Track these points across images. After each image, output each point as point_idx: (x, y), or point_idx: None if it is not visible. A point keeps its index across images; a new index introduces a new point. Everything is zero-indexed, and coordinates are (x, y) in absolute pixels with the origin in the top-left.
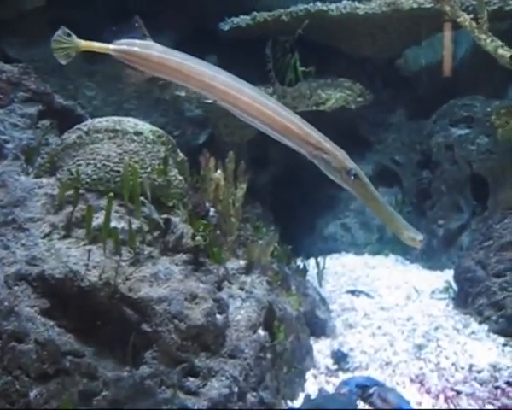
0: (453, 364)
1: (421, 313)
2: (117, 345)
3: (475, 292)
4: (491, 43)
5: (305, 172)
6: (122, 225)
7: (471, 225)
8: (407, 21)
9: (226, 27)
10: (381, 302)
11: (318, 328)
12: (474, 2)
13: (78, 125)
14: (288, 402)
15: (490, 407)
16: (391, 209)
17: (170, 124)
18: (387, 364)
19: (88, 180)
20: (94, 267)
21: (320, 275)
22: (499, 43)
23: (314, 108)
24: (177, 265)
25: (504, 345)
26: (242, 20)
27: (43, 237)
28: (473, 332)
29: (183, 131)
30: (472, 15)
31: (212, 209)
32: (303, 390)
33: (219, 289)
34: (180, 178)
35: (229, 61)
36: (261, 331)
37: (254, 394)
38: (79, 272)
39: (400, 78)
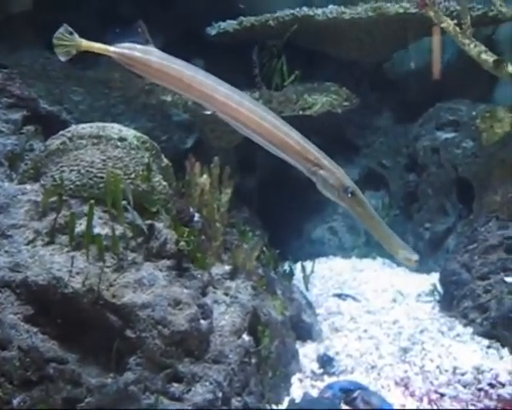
0: (437, 367)
1: (407, 316)
2: (101, 351)
3: (460, 295)
4: (474, 48)
5: (293, 176)
6: (105, 231)
7: (457, 229)
8: (393, 26)
9: (213, 32)
10: (368, 306)
11: (304, 332)
12: (458, 8)
13: (61, 132)
14: (273, 407)
15: (472, 408)
16: (387, 228)
17: (157, 128)
18: (373, 367)
19: (71, 186)
20: (77, 274)
21: (306, 279)
22: (483, 48)
23: (300, 112)
24: (160, 270)
25: (488, 347)
26: (229, 24)
27: (27, 244)
28: (458, 335)
29: (170, 136)
30: (456, 21)
31: (196, 215)
32: (288, 395)
33: (204, 294)
34: (164, 183)
35: (216, 65)
36: (246, 336)
37: (239, 399)
38: (63, 279)
39: (387, 81)
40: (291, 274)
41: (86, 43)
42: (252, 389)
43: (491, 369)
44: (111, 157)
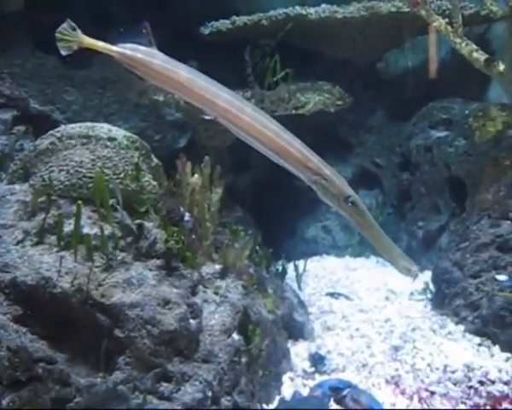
0: (428, 365)
1: (399, 314)
2: (90, 351)
3: (452, 293)
4: (465, 46)
5: (286, 175)
6: (94, 231)
7: (450, 227)
8: (386, 25)
9: (206, 31)
10: (360, 304)
11: (296, 331)
12: (450, 6)
13: (51, 132)
14: (264, 406)
15: (462, 406)
16: (387, 238)
17: (150, 128)
18: (364, 366)
19: (61, 186)
20: (66, 274)
21: (299, 278)
22: (474, 46)
23: (293, 111)
24: (150, 270)
25: (479, 345)
26: (222, 24)
27: (16, 244)
28: (449, 333)
29: (163, 136)
30: (448, 19)
31: (187, 214)
32: (279, 394)
33: (193, 293)
34: (154, 183)
35: (209, 64)
36: (236, 335)
37: (228, 398)
38: (51, 279)
39: (381, 80)
40: (283, 273)
41: (89, 41)
42: (242, 388)
43: (481, 367)
44: (100, 157)
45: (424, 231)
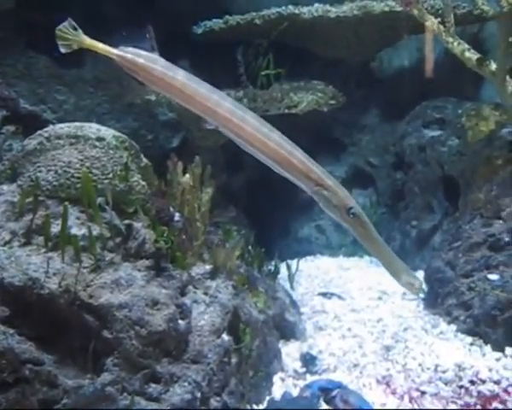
0: (420, 364)
1: (391, 314)
2: (78, 352)
3: (444, 293)
4: (458, 46)
5: (280, 175)
6: (83, 231)
7: (443, 226)
8: (379, 24)
9: (199, 31)
10: (353, 304)
11: (288, 331)
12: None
13: (39, 131)
14: (254, 406)
15: (453, 406)
16: (390, 251)
17: (143, 128)
18: (355, 366)
19: (48, 187)
20: (54, 275)
21: (291, 278)
22: (466, 46)
23: (286, 111)
24: (139, 271)
25: (471, 345)
26: (215, 23)
27: (3, 245)
28: (441, 332)
29: (156, 136)
30: (441, 19)
31: (177, 214)
32: (270, 394)
33: (182, 294)
34: (143, 183)
35: (202, 64)
36: (225, 336)
37: (218, 399)
38: (39, 280)
39: (374, 80)
40: (275, 273)
41: (90, 42)
42: (231, 388)
43: (472, 366)
44: (88, 157)
45: (417, 231)
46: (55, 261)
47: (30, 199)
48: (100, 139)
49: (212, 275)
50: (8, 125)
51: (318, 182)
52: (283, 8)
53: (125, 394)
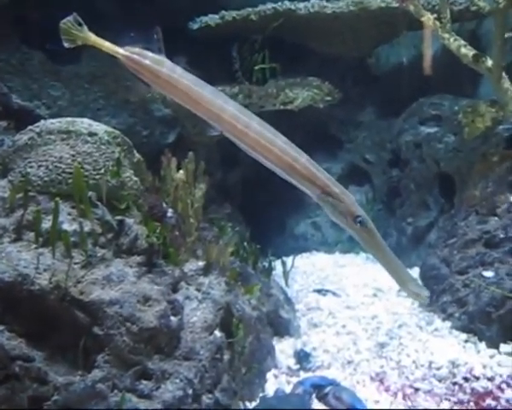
0: (414, 361)
1: (386, 311)
2: (68, 349)
3: (440, 289)
4: (454, 42)
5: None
6: (74, 227)
7: (439, 223)
8: (376, 20)
9: (195, 26)
10: (348, 301)
11: (282, 328)
12: (439, 1)
13: (30, 127)
14: (247, 403)
15: (446, 403)
16: (397, 260)
17: (138, 124)
18: (349, 363)
19: (39, 182)
20: (44, 271)
21: (286, 274)
22: (462, 42)
23: (281, 107)
24: (130, 267)
25: (466, 341)
26: (211, 19)
27: None
28: (436, 329)
29: (151, 131)
30: (437, 15)
31: (170, 210)
32: (263, 391)
33: (175, 290)
34: (135, 179)
35: (198, 60)
36: (218, 333)
37: (210, 395)
38: (29, 276)
39: (371, 76)
40: (270, 270)
41: (95, 39)
42: (224, 385)
43: (466, 363)
44: (80, 152)
45: (413, 228)
46: (46, 257)
47: (21, 195)
48: (92, 134)
49: (205, 271)
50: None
51: (324, 189)
52: (279, 3)
53: (115, 391)
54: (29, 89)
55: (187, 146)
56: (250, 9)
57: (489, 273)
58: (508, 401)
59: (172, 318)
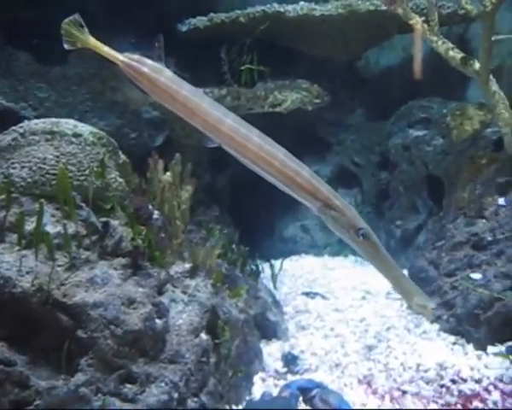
0: (402, 364)
1: (374, 313)
2: (51, 353)
3: (428, 292)
4: (442, 45)
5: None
6: (58, 229)
7: (427, 226)
8: (365, 23)
9: (184, 28)
10: (336, 304)
11: (270, 331)
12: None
13: (13, 127)
14: (233, 407)
15: (434, 405)
16: (401, 272)
17: (126, 126)
18: (337, 365)
19: (22, 184)
20: (27, 273)
21: (274, 277)
22: (450, 45)
23: (270, 109)
24: (115, 269)
25: (454, 344)
26: (200, 21)
27: None
28: (424, 332)
29: (139, 134)
30: (425, 18)
31: (156, 212)
32: (250, 394)
33: (160, 293)
34: (120, 180)
35: (187, 62)
36: (204, 335)
37: (195, 399)
38: (11, 279)
39: (360, 79)
40: (257, 272)
41: (94, 43)
42: (210, 389)
43: (453, 365)
44: (64, 153)
45: (402, 230)
46: (29, 260)
47: (3, 196)
48: (76, 135)
49: (192, 274)
50: None
51: (326, 202)
52: (268, 6)
53: (99, 395)
54: (15, 90)
55: (175, 149)
56: (239, 12)
57: (477, 275)
58: (495, 403)
59: (157, 320)
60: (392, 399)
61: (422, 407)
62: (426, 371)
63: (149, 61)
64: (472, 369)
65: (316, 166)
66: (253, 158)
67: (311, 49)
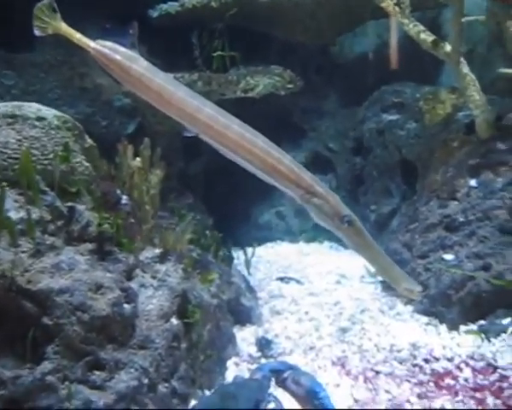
0: (375, 345)
1: (349, 297)
2: (16, 341)
3: None
4: (413, 27)
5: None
6: (21, 214)
7: (401, 210)
8: (338, 8)
9: (155, 14)
10: (311, 288)
11: (244, 316)
12: None
13: None
14: (206, 392)
15: (407, 384)
16: (388, 258)
17: (97, 114)
18: (311, 348)
19: None
20: None
21: (248, 263)
22: (421, 27)
23: (242, 94)
24: (82, 254)
25: (427, 324)
26: (171, 6)
27: None
28: (398, 313)
29: (111, 122)
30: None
31: (124, 197)
32: (223, 379)
33: (129, 278)
34: (86, 164)
35: (159, 48)
36: (174, 320)
37: (166, 385)
38: None
39: (335, 65)
40: (231, 258)
41: (66, 29)
42: (181, 374)
43: (426, 345)
44: (27, 137)
45: (376, 215)
46: None
47: None
48: (40, 119)
49: (162, 259)
50: None
51: (308, 189)
52: None
53: (66, 382)
54: None
55: (147, 136)
56: None
57: (449, 256)
58: (466, 379)
59: (126, 305)
60: (365, 379)
61: (396, 387)
62: (399, 351)
63: (122, 49)
64: (444, 348)
65: (290, 153)
66: (232, 147)
67: (283, 34)
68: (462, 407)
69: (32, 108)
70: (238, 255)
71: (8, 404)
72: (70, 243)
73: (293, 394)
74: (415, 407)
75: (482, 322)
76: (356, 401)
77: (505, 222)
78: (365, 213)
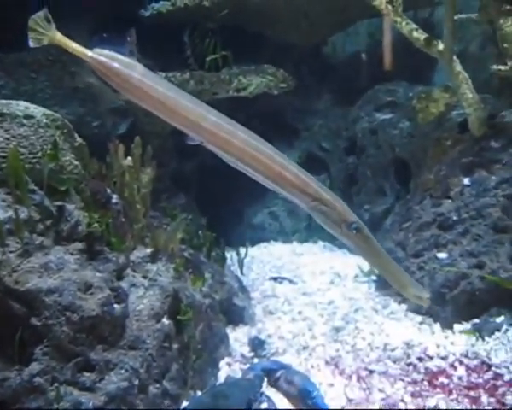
0: (369, 344)
1: (342, 296)
2: (4, 342)
3: None
4: (406, 25)
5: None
6: (9, 214)
7: (395, 209)
8: (330, 7)
9: (147, 13)
10: (304, 288)
11: (236, 316)
12: None
13: None
14: (198, 392)
15: (400, 383)
16: (396, 265)
17: (89, 114)
18: (305, 348)
19: None
20: None
21: (241, 263)
22: (414, 26)
23: (235, 93)
24: (71, 254)
25: (421, 323)
26: (163, 5)
27: None
28: (392, 312)
29: (102, 122)
30: None
31: (114, 196)
32: (216, 379)
33: (119, 278)
34: (76, 163)
35: (151, 47)
36: (166, 320)
37: (157, 385)
38: None
39: (327, 65)
40: (223, 258)
41: (61, 39)
42: (173, 375)
43: (420, 343)
44: (15, 135)
45: (370, 214)
46: None
47: None
48: (28, 117)
49: (153, 258)
50: None
51: (315, 197)
52: None
53: (55, 384)
54: None
55: (140, 136)
56: None
57: (443, 255)
58: (460, 378)
59: (116, 305)
60: (359, 378)
61: (389, 386)
62: (393, 350)
63: (120, 57)
64: (438, 346)
65: (284, 153)
66: (238, 156)
67: (276, 33)
68: (456, 406)
69: (20, 106)
70: (231, 255)
71: None
72: (59, 243)
73: (285, 393)
74: (409, 406)
75: (476, 320)
76: (349, 400)
77: (499, 220)
78: (359, 213)
